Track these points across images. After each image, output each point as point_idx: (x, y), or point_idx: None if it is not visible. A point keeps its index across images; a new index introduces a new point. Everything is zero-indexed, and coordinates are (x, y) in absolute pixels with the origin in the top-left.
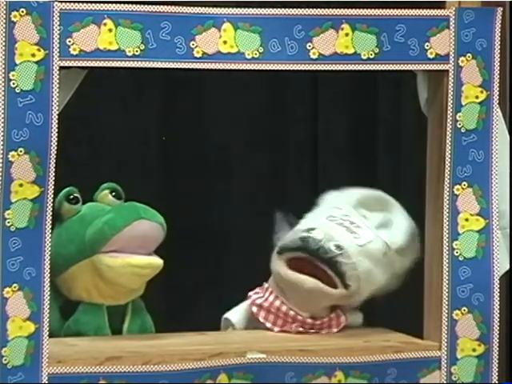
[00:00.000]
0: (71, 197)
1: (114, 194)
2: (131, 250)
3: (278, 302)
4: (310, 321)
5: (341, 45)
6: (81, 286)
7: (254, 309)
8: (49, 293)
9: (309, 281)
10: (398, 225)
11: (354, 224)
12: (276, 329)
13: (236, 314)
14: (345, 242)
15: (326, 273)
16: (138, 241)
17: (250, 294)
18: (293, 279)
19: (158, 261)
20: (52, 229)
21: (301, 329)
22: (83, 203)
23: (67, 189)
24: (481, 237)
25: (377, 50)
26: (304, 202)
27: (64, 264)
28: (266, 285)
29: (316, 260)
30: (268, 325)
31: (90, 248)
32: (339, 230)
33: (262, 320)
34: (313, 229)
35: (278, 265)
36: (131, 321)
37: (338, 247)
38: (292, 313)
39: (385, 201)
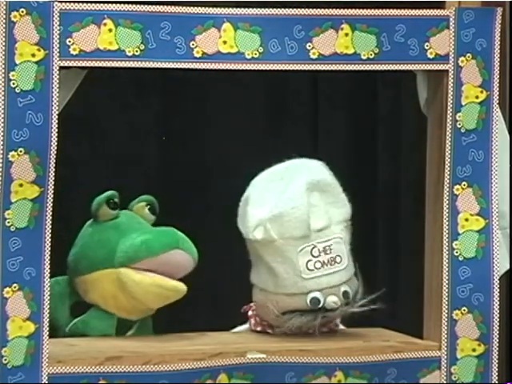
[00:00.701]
0: (111, 201)
1: (149, 207)
2: (159, 273)
3: None
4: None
5: (341, 45)
6: (99, 292)
7: (270, 331)
8: (49, 293)
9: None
10: (336, 197)
11: (327, 251)
12: None
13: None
14: (342, 280)
15: None
16: (169, 268)
17: (251, 314)
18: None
19: (183, 287)
20: (55, 227)
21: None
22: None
23: (109, 192)
24: (481, 237)
25: (377, 50)
26: None
27: (88, 266)
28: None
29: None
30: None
31: (120, 260)
32: (328, 273)
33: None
34: (316, 299)
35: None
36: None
37: (346, 293)
38: None
39: (322, 185)
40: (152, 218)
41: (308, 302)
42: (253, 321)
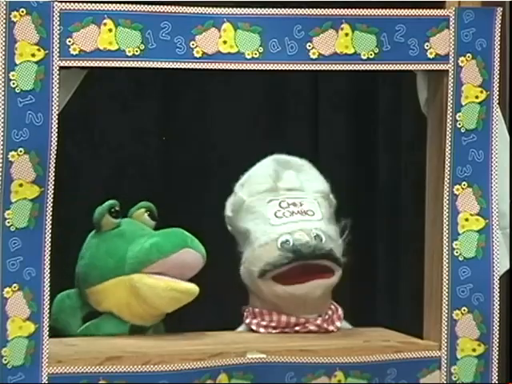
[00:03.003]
0: (113, 210)
1: (149, 213)
2: (171, 276)
3: (284, 317)
4: (319, 320)
5: (341, 45)
6: (113, 301)
7: (262, 330)
8: (49, 293)
9: (314, 287)
10: (310, 174)
11: (297, 204)
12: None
13: None
14: (313, 226)
15: (318, 265)
16: (181, 269)
17: (247, 321)
18: (299, 293)
19: (196, 288)
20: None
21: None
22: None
23: (110, 202)
24: (481, 237)
25: (377, 50)
26: None
27: (99, 277)
28: (255, 309)
29: (311, 260)
30: None
31: (131, 266)
32: (299, 220)
33: None
34: (287, 241)
35: (269, 287)
36: None
37: (318, 236)
38: (302, 320)
39: (284, 164)
40: (152, 223)
41: (279, 245)
42: (248, 320)
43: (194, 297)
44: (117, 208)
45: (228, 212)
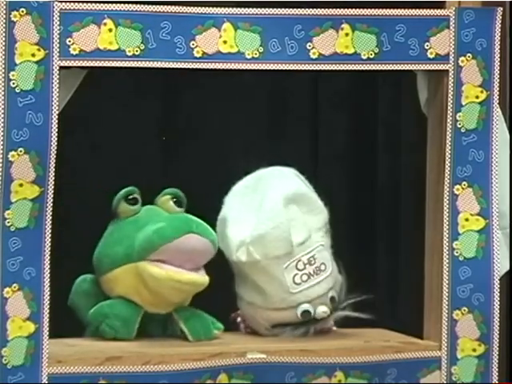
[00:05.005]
0: (130, 197)
1: (175, 200)
2: (179, 263)
3: None
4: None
5: (341, 45)
6: (123, 288)
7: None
8: (49, 293)
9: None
10: (311, 204)
11: (312, 262)
12: None
13: None
14: (328, 287)
15: None
16: (186, 255)
17: (239, 320)
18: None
19: (201, 278)
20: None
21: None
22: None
23: (127, 188)
24: (481, 237)
25: (377, 50)
26: None
27: (109, 264)
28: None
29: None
30: None
31: (137, 254)
32: (315, 283)
33: None
34: (308, 312)
35: (278, 332)
36: (188, 324)
37: (333, 299)
38: None
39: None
40: (178, 210)
41: (299, 315)
42: (242, 325)
43: (200, 288)
44: (135, 195)
45: (233, 257)
